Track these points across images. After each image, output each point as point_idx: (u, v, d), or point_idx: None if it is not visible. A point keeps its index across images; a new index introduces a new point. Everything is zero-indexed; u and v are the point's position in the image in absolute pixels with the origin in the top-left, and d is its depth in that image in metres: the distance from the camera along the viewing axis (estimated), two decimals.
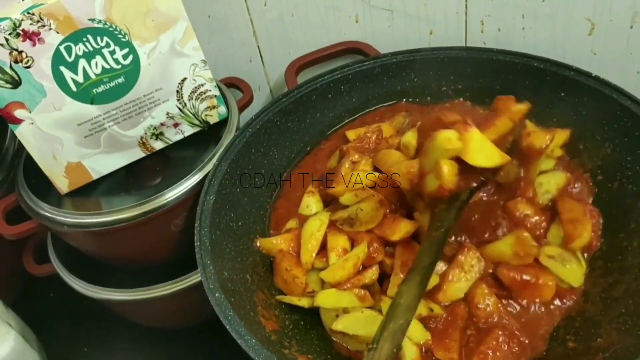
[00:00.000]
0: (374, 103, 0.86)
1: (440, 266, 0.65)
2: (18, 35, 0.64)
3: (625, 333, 0.58)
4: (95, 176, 0.78)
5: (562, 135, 0.75)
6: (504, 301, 0.64)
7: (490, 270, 0.65)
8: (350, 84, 0.84)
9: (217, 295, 0.60)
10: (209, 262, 0.64)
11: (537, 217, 0.68)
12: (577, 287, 0.65)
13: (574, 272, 0.65)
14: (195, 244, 0.66)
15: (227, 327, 0.57)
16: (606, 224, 0.69)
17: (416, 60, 0.84)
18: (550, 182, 0.71)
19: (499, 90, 0.80)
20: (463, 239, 0.67)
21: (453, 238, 0.67)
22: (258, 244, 0.73)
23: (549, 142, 0.69)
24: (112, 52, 0.69)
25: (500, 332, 0.61)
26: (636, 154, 0.69)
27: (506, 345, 0.61)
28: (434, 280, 0.63)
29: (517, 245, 0.64)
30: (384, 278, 0.67)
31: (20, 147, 0.87)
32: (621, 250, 0.66)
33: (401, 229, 0.66)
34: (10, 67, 0.66)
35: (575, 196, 0.72)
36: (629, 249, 0.66)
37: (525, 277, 0.64)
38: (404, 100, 0.85)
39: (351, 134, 0.81)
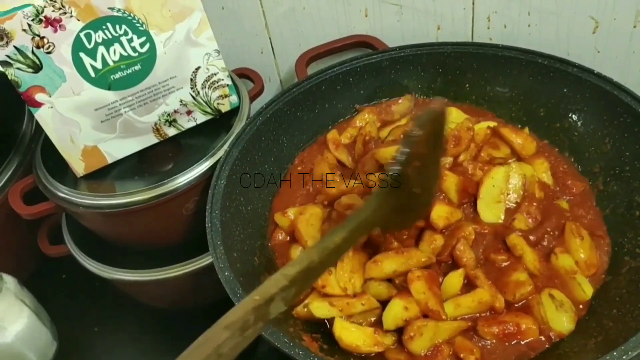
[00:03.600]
0: (381, 95, 0.88)
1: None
2: (40, 21, 0.67)
3: None
4: (110, 160, 0.80)
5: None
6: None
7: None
8: (358, 76, 0.86)
9: (226, 274, 0.63)
10: (219, 242, 0.66)
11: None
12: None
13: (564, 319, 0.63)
14: (207, 225, 0.68)
15: (236, 303, 0.59)
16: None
17: (423, 55, 0.85)
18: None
19: (503, 85, 0.83)
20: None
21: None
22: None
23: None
24: (130, 40, 0.72)
25: None
26: (635, 149, 0.71)
27: None
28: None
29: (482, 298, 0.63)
30: None
31: (38, 131, 0.89)
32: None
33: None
34: (32, 52, 0.68)
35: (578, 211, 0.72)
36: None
37: (507, 328, 0.62)
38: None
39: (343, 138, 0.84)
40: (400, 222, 0.65)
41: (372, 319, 0.65)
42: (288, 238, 0.75)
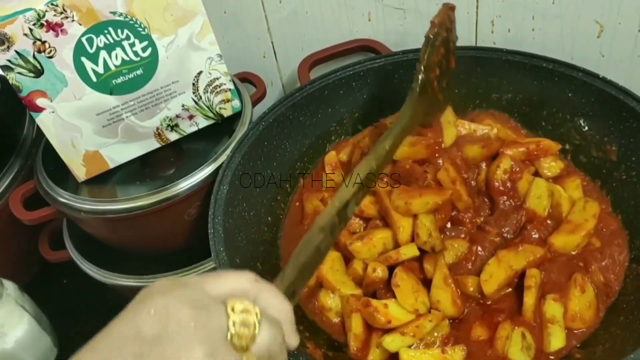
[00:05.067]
0: (384, 100, 0.87)
1: None
2: (42, 25, 0.66)
3: None
4: (111, 165, 0.80)
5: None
6: None
7: None
8: (361, 80, 0.85)
9: None
10: (221, 249, 0.66)
11: None
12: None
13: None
14: (209, 231, 0.68)
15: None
16: None
17: None
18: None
19: (507, 89, 0.82)
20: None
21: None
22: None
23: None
24: (132, 45, 0.71)
25: None
26: None
27: None
28: None
29: None
30: None
31: (39, 135, 0.89)
32: None
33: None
34: (34, 56, 0.68)
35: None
36: None
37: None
38: None
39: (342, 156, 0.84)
40: (431, 116, 0.73)
41: (442, 334, 0.64)
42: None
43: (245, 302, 0.40)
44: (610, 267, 0.67)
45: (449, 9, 0.70)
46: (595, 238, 0.69)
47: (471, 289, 0.66)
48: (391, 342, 0.62)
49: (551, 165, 0.75)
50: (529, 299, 0.64)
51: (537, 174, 0.75)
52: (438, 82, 0.70)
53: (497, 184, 0.73)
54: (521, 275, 0.66)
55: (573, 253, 0.68)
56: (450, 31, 0.71)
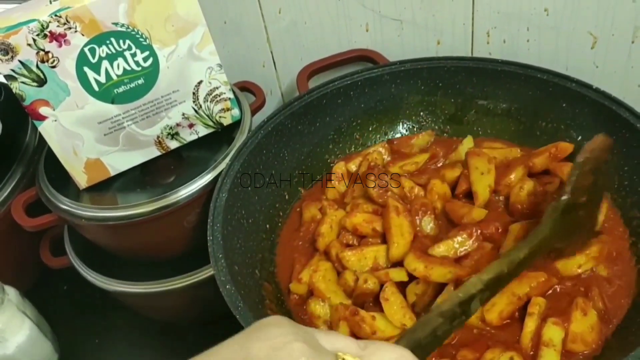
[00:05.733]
0: (381, 109, 0.88)
1: None
2: (45, 36, 0.68)
3: None
4: (112, 172, 0.81)
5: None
6: None
7: None
8: (359, 90, 0.86)
9: (228, 287, 0.63)
10: (220, 255, 0.66)
11: None
12: None
13: None
14: (208, 238, 0.68)
15: (237, 317, 0.60)
16: None
17: (423, 69, 0.86)
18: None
19: (503, 99, 0.83)
20: None
21: None
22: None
23: None
24: (134, 55, 0.73)
25: None
26: (633, 164, 0.72)
27: None
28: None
29: None
30: None
31: (41, 143, 0.90)
32: None
33: None
34: (37, 66, 0.69)
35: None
36: None
37: None
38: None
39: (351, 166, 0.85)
40: (572, 243, 0.68)
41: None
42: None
43: (356, 358, 0.40)
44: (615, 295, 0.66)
45: (606, 141, 0.67)
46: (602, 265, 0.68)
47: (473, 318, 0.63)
48: None
49: None
50: (529, 326, 0.62)
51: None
52: (585, 212, 0.67)
53: (519, 206, 0.73)
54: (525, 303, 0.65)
55: (579, 272, 0.67)
56: (602, 170, 0.67)
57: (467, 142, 0.83)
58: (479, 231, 0.70)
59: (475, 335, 0.64)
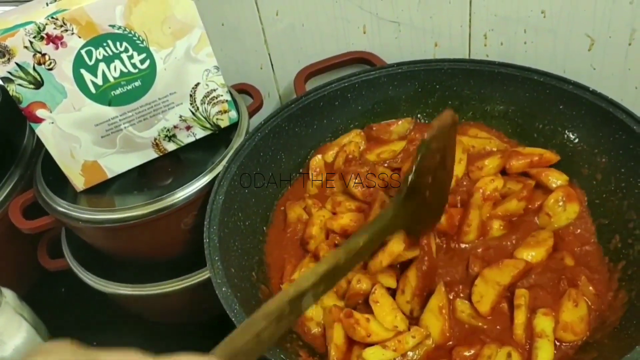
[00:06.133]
0: (378, 111, 0.88)
1: None
2: (42, 38, 0.68)
3: None
4: (110, 175, 0.81)
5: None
6: None
7: None
8: (356, 92, 0.87)
9: (224, 289, 0.63)
10: (217, 258, 0.66)
11: None
12: None
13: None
14: (205, 240, 0.68)
15: (233, 319, 0.60)
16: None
17: (421, 71, 0.86)
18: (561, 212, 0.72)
19: (500, 101, 0.83)
20: None
21: None
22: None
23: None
24: (130, 57, 0.73)
25: None
26: (630, 166, 0.72)
27: None
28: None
29: None
30: None
31: (38, 145, 0.90)
32: None
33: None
34: (34, 68, 0.69)
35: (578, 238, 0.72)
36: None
37: None
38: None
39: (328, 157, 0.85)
40: (418, 226, 0.68)
41: (426, 349, 0.64)
42: None
43: None
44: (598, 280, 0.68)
45: (451, 116, 0.63)
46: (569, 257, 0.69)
47: (465, 313, 0.65)
48: (372, 354, 0.62)
49: (558, 177, 0.76)
50: (520, 318, 0.63)
51: (537, 186, 0.76)
52: (431, 193, 0.64)
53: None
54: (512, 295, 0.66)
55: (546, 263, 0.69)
56: (449, 146, 0.65)
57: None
58: None
59: (467, 330, 0.65)
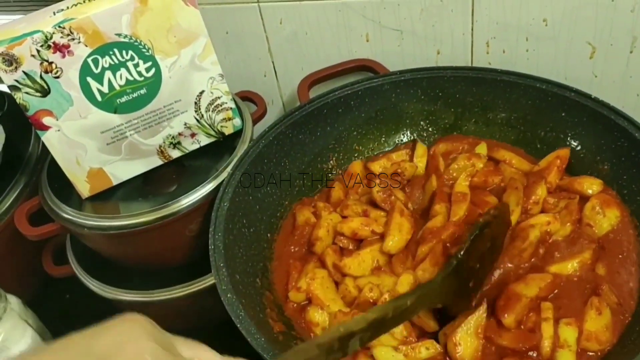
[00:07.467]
0: (381, 119, 0.89)
1: None
2: (49, 47, 0.69)
3: None
4: (115, 182, 0.81)
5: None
6: None
7: None
8: (359, 99, 0.87)
9: (229, 295, 0.63)
10: (222, 264, 0.67)
11: None
12: None
13: None
14: (210, 247, 0.69)
15: (238, 325, 0.60)
16: None
17: (423, 79, 0.87)
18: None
19: (502, 109, 0.84)
20: None
21: None
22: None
23: None
24: (136, 65, 0.73)
25: None
26: (632, 173, 0.72)
27: None
28: None
29: None
30: None
31: (44, 153, 0.91)
32: None
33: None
34: (41, 76, 0.70)
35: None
36: None
37: None
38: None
39: (375, 166, 0.85)
40: (457, 305, 0.66)
41: None
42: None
43: None
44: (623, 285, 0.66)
45: (508, 211, 0.66)
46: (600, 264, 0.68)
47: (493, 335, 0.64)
48: (383, 354, 0.62)
49: (592, 183, 0.75)
50: (547, 331, 0.62)
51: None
52: (474, 280, 0.65)
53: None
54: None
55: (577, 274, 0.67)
56: (498, 243, 0.67)
57: (480, 149, 0.83)
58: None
59: (494, 352, 0.63)
